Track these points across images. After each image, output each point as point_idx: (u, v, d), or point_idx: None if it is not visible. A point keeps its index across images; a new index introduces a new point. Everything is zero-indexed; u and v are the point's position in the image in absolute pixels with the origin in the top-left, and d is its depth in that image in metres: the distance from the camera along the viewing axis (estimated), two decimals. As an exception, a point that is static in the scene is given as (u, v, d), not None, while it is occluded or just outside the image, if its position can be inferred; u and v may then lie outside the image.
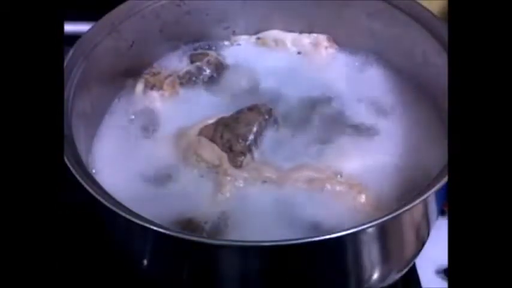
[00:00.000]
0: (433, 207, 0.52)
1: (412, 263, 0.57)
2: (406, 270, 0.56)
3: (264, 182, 0.57)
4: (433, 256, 0.63)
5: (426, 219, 0.52)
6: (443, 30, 0.60)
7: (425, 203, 0.49)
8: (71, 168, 0.48)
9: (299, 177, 0.56)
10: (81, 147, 0.53)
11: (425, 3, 0.64)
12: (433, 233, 0.56)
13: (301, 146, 0.61)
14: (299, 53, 0.73)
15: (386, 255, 0.51)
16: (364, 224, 0.44)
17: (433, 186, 0.46)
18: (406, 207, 0.45)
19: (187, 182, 0.58)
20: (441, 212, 0.58)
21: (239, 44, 0.74)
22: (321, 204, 0.54)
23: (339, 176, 0.56)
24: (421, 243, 0.55)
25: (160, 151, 0.62)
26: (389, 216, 0.45)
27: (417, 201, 0.46)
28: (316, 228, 0.52)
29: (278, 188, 0.56)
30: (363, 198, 0.54)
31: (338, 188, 0.55)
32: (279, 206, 0.55)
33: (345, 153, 0.59)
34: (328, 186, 0.55)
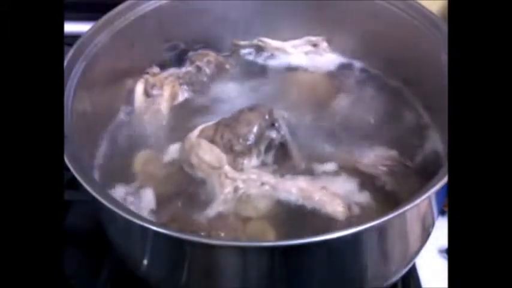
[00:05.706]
0: (433, 208, 0.52)
1: (412, 263, 0.57)
2: (406, 270, 0.56)
3: (262, 184, 0.57)
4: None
5: (426, 219, 0.52)
6: (443, 29, 0.60)
7: (425, 204, 0.49)
8: (71, 168, 0.48)
9: (292, 186, 0.56)
10: (81, 147, 0.53)
11: (425, 3, 0.64)
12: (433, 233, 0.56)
13: (300, 148, 0.61)
14: (299, 54, 0.73)
15: (386, 256, 0.51)
16: (364, 224, 0.44)
17: (433, 186, 0.46)
18: (406, 208, 0.45)
19: (188, 182, 0.58)
20: (441, 212, 0.58)
21: (239, 44, 0.74)
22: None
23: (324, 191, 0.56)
24: (421, 243, 0.55)
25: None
26: (390, 216, 0.45)
27: (417, 201, 0.46)
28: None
29: (274, 190, 0.56)
30: (341, 208, 0.55)
31: (323, 198, 0.56)
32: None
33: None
34: (316, 197, 0.55)
